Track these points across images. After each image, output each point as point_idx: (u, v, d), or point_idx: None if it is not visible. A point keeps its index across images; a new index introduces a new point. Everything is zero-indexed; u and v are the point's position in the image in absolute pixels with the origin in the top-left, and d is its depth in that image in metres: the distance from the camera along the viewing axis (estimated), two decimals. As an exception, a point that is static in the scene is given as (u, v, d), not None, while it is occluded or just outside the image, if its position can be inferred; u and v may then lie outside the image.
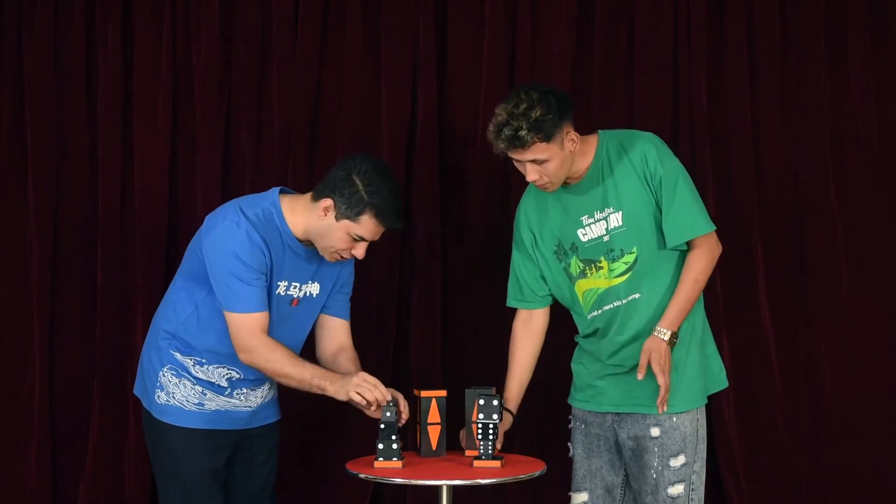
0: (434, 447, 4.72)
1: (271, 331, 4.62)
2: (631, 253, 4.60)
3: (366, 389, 4.51)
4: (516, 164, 4.61)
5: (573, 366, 4.85)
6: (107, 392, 5.73)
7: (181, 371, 4.66)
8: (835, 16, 5.76)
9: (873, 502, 5.79)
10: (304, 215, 4.58)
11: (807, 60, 5.76)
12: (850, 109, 5.77)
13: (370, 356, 5.73)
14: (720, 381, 4.79)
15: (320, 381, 4.54)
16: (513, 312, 4.86)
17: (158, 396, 4.69)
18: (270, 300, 4.60)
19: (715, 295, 5.66)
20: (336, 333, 4.82)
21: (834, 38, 5.77)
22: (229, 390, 4.68)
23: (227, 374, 4.69)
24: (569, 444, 4.79)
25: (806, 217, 5.77)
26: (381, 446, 4.55)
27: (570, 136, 4.57)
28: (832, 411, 5.78)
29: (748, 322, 5.76)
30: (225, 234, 4.55)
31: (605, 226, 4.62)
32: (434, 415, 4.71)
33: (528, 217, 4.77)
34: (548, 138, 4.50)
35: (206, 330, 4.65)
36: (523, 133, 4.47)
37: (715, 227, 4.66)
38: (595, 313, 4.70)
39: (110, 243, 5.72)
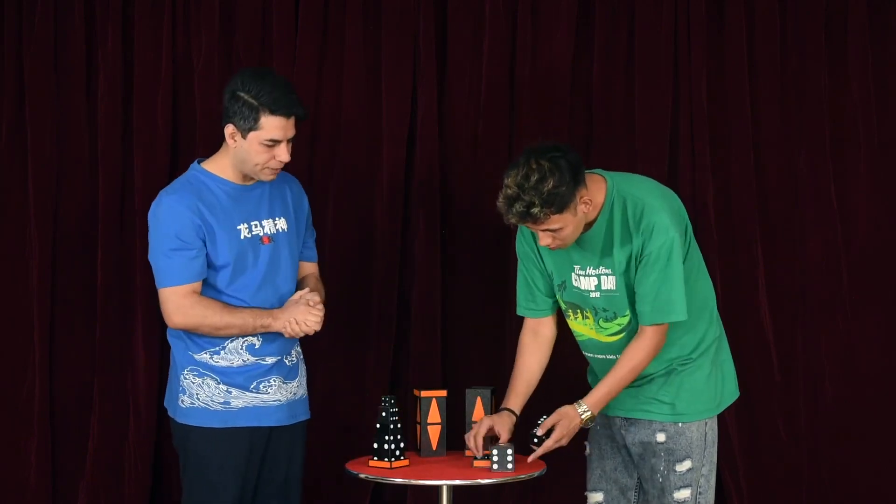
0: (434, 447, 4.72)
1: (265, 283, 4.64)
2: (624, 316, 4.53)
3: (302, 324, 4.58)
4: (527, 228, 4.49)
5: (588, 377, 4.81)
6: (107, 392, 5.73)
7: (203, 370, 4.63)
8: (835, 16, 5.76)
9: (873, 502, 5.79)
10: (225, 156, 4.63)
11: (807, 60, 5.76)
12: (851, 109, 5.77)
13: (370, 356, 5.74)
14: (732, 393, 4.75)
15: (262, 320, 4.58)
16: (514, 311, 4.85)
17: (182, 401, 4.64)
18: (240, 247, 4.60)
19: (715, 295, 5.65)
20: (308, 274, 4.86)
21: (834, 38, 5.77)
22: (255, 384, 4.66)
23: (245, 342, 4.66)
24: (585, 442, 4.78)
25: (806, 217, 5.77)
26: (376, 445, 4.56)
27: (583, 200, 4.40)
28: (832, 411, 5.78)
29: (748, 322, 5.75)
30: (149, 217, 4.62)
31: (597, 283, 4.53)
32: (434, 415, 4.70)
33: (531, 236, 4.65)
34: (561, 210, 4.34)
35: None
36: (536, 210, 4.30)
37: (669, 321, 4.48)
38: (590, 355, 4.67)
39: (110, 243, 5.72)
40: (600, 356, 4.61)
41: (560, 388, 4.76)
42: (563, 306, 4.66)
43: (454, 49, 5.75)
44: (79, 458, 5.75)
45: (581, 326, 4.63)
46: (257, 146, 4.54)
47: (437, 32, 5.75)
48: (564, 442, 4.50)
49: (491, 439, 4.58)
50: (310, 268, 4.87)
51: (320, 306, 4.63)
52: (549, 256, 4.63)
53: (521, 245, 4.69)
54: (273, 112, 4.50)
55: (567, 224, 4.39)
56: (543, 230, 4.40)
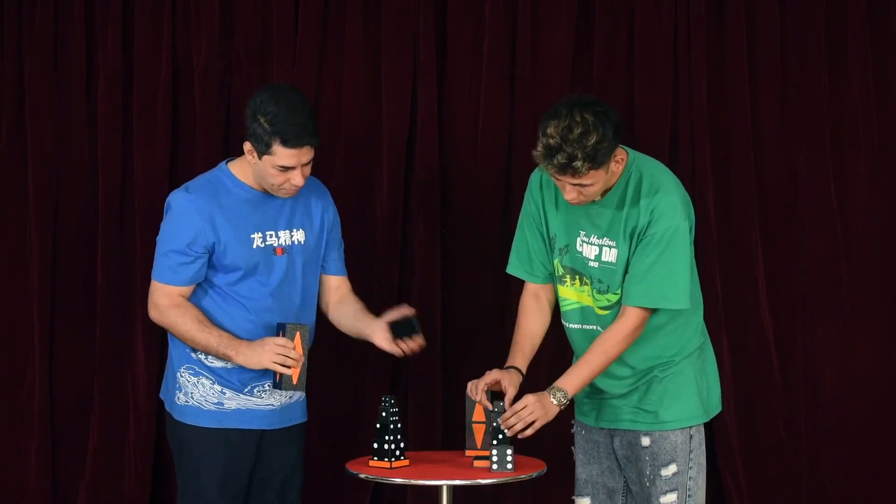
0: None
1: (276, 292, 4.63)
2: (615, 293, 4.49)
3: (280, 357, 4.54)
4: (553, 178, 4.39)
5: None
6: (107, 392, 5.74)
7: (199, 369, 4.64)
8: (835, 16, 5.76)
9: (873, 502, 5.79)
10: (248, 165, 4.63)
11: (807, 60, 5.76)
12: (850, 109, 5.77)
13: (370, 356, 5.74)
14: (715, 407, 4.68)
15: (225, 350, 4.56)
16: (513, 311, 4.84)
17: (178, 398, 4.66)
18: (252, 255, 4.59)
19: (715, 295, 5.65)
20: (335, 288, 4.82)
21: (834, 38, 5.77)
22: (249, 388, 4.66)
23: None
24: (572, 447, 4.78)
25: (806, 217, 5.77)
26: (376, 445, 4.56)
27: (616, 159, 4.37)
28: (832, 411, 5.78)
29: (748, 322, 5.75)
30: (165, 206, 4.65)
31: (597, 253, 4.49)
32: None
33: (540, 192, 4.60)
34: (599, 166, 4.30)
35: (214, 315, 4.65)
36: (578, 164, 4.24)
37: (660, 307, 4.42)
38: (574, 326, 4.61)
39: (110, 243, 5.72)
40: (588, 326, 4.56)
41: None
42: (559, 272, 4.59)
43: (454, 49, 5.75)
44: (79, 458, 5.75)
45: (576, 293, 4.56)
46: (271, 169, 4.53)
47: (437, 32, 5.75)
48: (534, 417, 4.40)
49: (493, 395, 4.54)
50: (338, 282, 4.83)
51: (280, 349, 4.56)
52: (554, 219, 4.57)
53: (528, 203, 4.62)
54: (284, 143, 4.48)
55: (598, 181, 4.35)
56: (574, 184, 4.34)
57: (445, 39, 5.76)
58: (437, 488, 4.52)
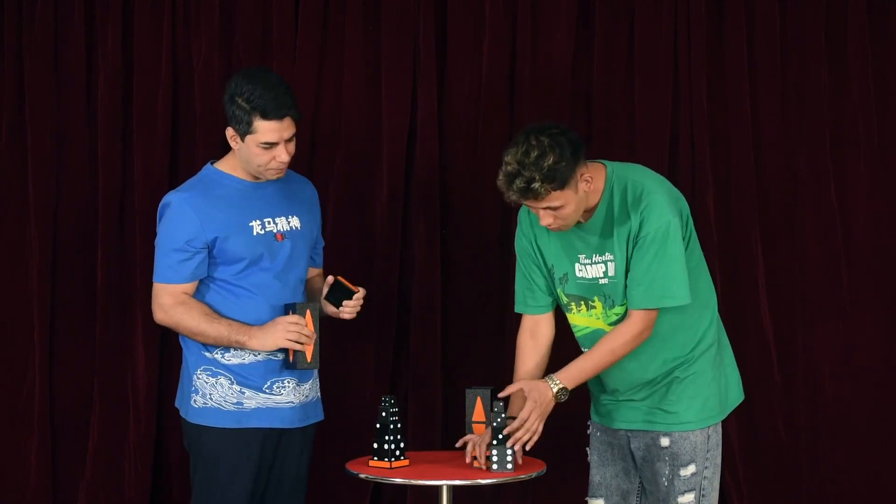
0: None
1: (281, 276, 4.65)
2: (621, 306, 4.52)
3: (294, 333, 4.57)
4: (527, 206, 4.47)
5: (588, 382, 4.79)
6: (107, 392, 5.74)
7: (216, 369, 4.63)
8: (835, 16, 5.77)
9: (873, 502, 5.79)
10: (234, 156, 4.65)
11: (807, 60, 5.77)
12: (850, 109, 5.77)
13: (370, 356, 5.74)
14: (736, 398, 4.73)
15: (238, 336, 4.57)
16: (513, 311, 4.85)
17: (195, 401, 4.64)
18: (254, 243, 4.61)
19: (716, 298, 5.65)
20: (310, 280, 4.88)
21: (834, 38, 5.77)
22: (269, 384, 4.66)
23: None
24: (587, 448, 4.77)
25: (806, 217, 5.77)
26: (376, 445, 4.56)
27: (584, 178, 4.40)
28: (832, 411, 5.78)
29: (748, 322, 5.75)
30: (158, 210, 4.67)
31: (604, 269, 4.51)
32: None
33: (530, 231, 4.66)
34: (562, 186, 4.34)
35: (222, 309, 4.65)
36: (536, 185, 4.30)
37: (664, 306, 4.45)
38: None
39: (110, 243, 5.73)
40: None
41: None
42: (563, 300, 4.63)
43: (454, 49, 5.75)
44: (79, 458, 5.75)
45: (585, 319, 4.60)
46: (255, 148, 4.55)
47: (437, 32, 5.75)
48: (538, 421, 4.45)
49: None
50: (314, 273, 4.89)
51: (294, 327, 4.60)
52: (549, 249, 4.61)
53: (520, 240, 4.67)
54: (264, 116, 4.51)
55: (568, 202, 4.38)
56: (545, 208, 4.38)
57: (445, 39, 5.76)
58: (437, 488, 4.52)
